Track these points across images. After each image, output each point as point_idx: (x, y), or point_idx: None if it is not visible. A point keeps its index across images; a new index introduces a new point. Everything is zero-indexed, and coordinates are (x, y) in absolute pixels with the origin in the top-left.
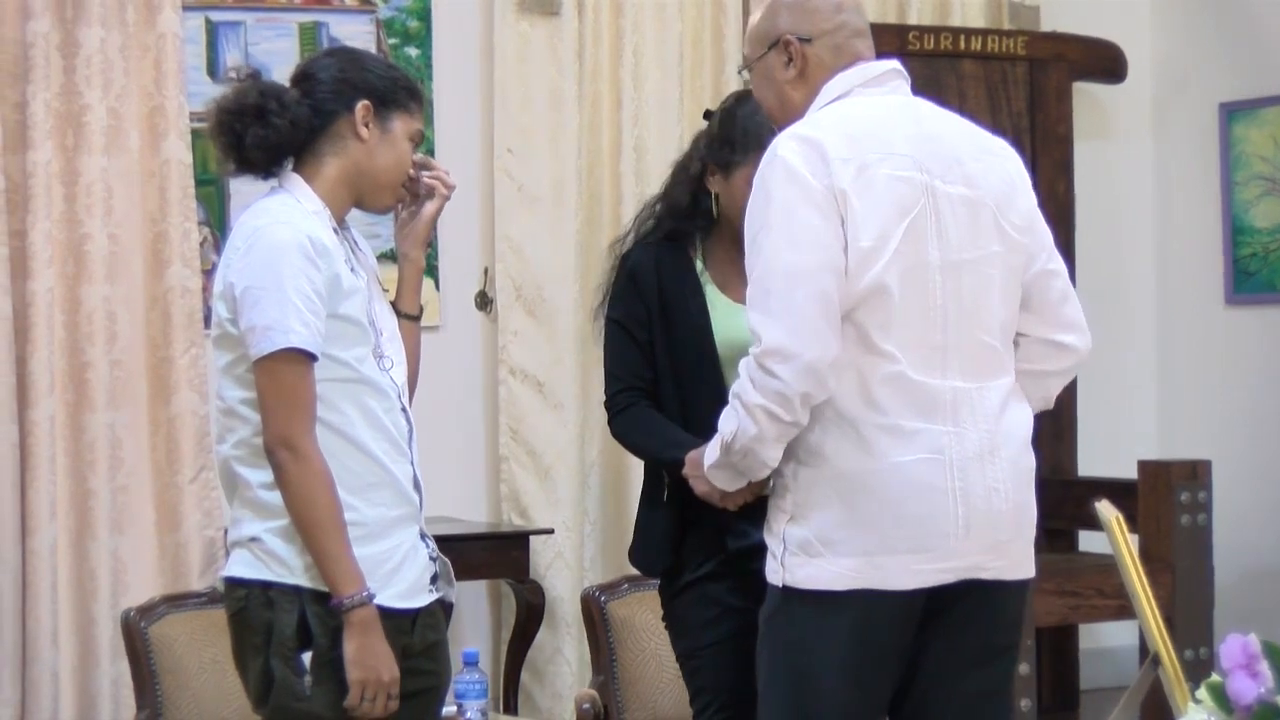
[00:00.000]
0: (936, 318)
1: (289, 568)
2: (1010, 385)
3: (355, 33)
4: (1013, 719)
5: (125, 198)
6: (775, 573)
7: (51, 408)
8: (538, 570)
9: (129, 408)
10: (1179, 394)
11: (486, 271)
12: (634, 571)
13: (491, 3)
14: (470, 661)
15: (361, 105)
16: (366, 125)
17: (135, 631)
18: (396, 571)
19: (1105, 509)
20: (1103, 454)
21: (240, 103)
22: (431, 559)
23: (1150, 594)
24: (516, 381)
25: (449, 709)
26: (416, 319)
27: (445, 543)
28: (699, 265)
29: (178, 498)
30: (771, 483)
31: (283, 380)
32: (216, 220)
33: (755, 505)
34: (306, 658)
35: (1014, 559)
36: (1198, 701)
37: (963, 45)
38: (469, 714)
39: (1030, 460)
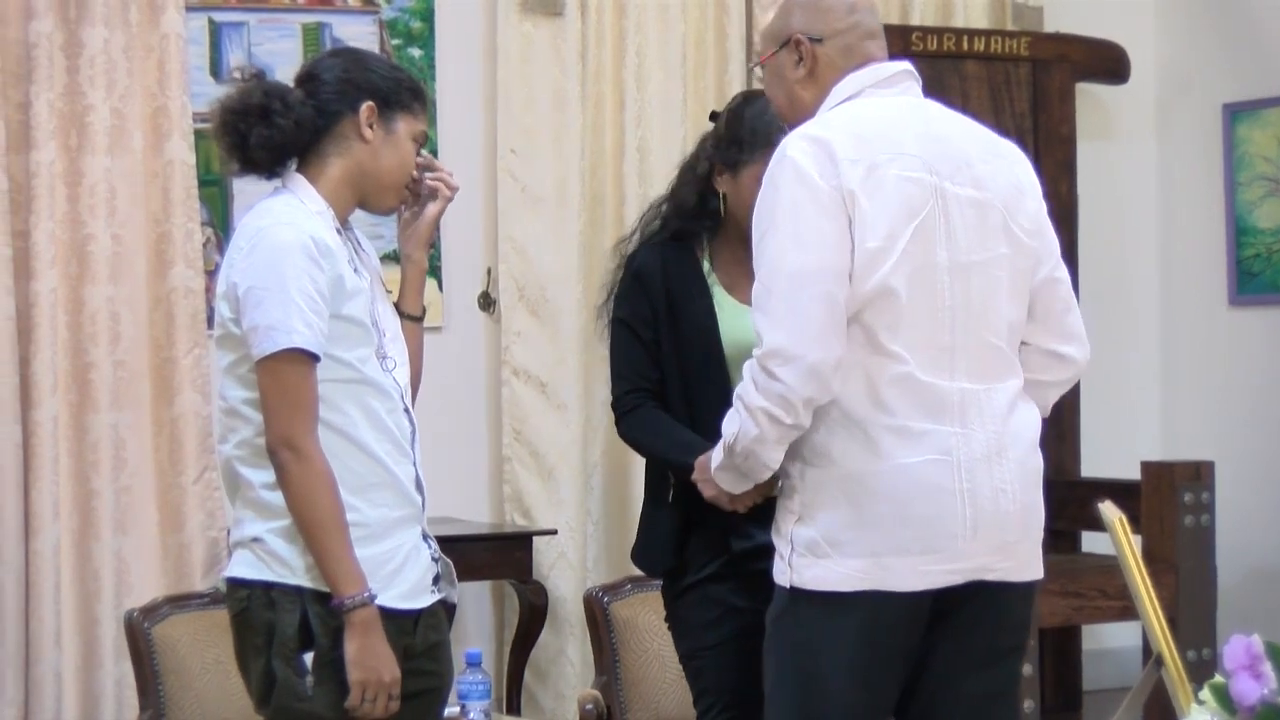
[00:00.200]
0: (945, 319)
1: (291, 568)
2: (1018, 387)
3: (358, 33)
4: None
5: (128, 198)
6: (783, 573)
7: (54, 408)
8: (540, 571)
9: (132, 408)
10: (1182, 395)
11: (489, 272)
12: (637, 572)
13: (494, 3)
14: (473, 662)
15: (366, 106)
16: (370, 126)
17: (138, 632)
18: (398, 572)
19: (1108, 510)
20: (1106, 455)
21: (245, 103)
22: (434, 559)
23: (1153, 595)
24: (519, 382)
25: (452, 709)
26: (419, 320)
27: (448, 543)
28: (706, 266)
29: (181, 498)
30: (780, 484)
31: (285, 380)
32: (220, 221)
33: (760, 506)
34: (308, 658)
35: (1021, 560)
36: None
37: (966, 46)
38: (472, 714)
39: (1038, 461)
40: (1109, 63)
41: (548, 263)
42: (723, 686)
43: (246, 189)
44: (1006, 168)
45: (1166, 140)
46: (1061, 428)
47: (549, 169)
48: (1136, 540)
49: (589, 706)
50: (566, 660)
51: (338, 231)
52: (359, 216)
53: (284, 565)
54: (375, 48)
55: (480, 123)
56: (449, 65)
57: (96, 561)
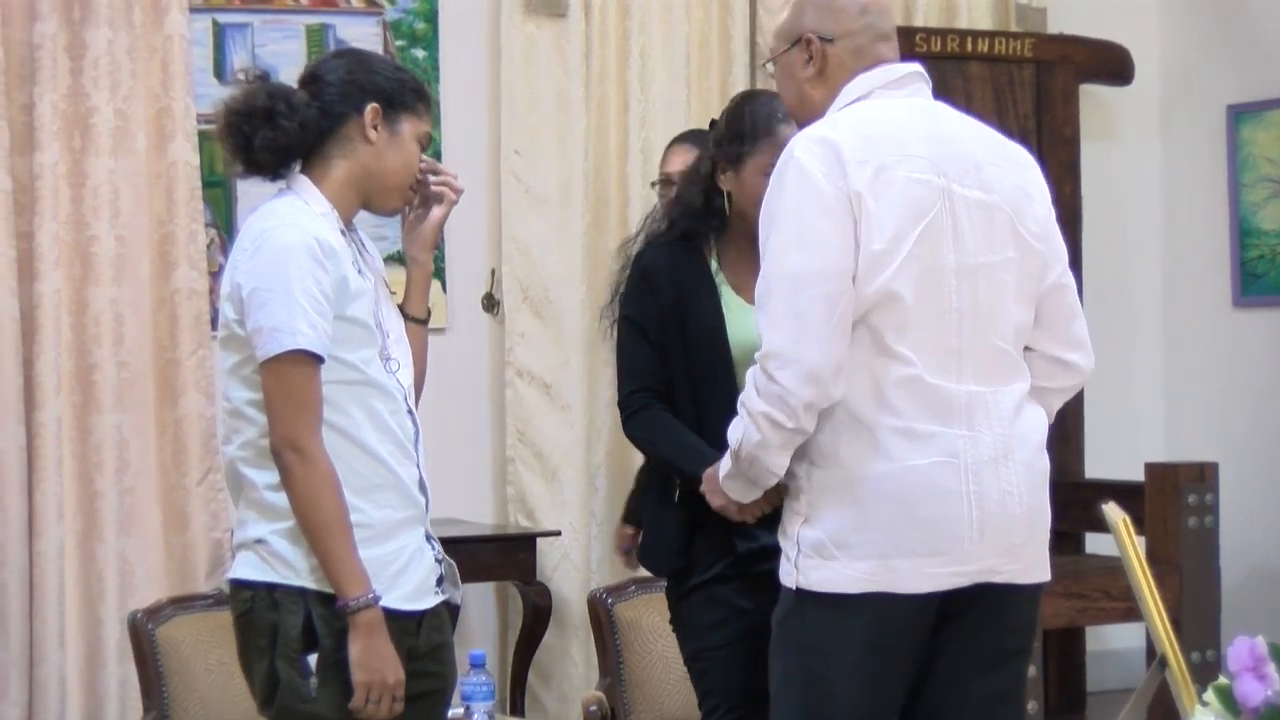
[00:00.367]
0: (952, 321)
1: (294, 570)
2: (1024, 389)
3: (362, 35)
4: None
5: (132, 199)
6: (789, 575)
7: (58, 409)
8: (544, 572)
9: (135, 410)
10: (1186, 396)
11: (493, 273)
12: (641, 573)
13: (498, 4)
14: (477, 663)
15: (370, 108)
16: (375, 128)
17: (142, 633)
18: (402, 573)
19: (1112, 511)
20: (1109, 456)
21: (249, 104)
22: (437, 561)
23: (1157, 596)
24: (523, 383)
25: (455, 711)
26: (424, 323)
27: (451, 544)
28: (713, 265)
29: (184, 499)
30: (786, 485)
31: (289, 382)
32: (223, 222)
33: None
34: (312, 659)
35: (1027, 562)
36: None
37: (969, 47)
38: (475, 716)
39: (1044, 464)
40: (1113, 64)
41: (551, 263)
42: (728, 688)
43: (250, 190)
44: (1015, 171)
45: (1170, 141)
46: (1065, 429)
47: (553, 170)
48: (1140, 542)
49: (593, 708)
50: (570, 662)
51: (342, 233)
52: (362, 217)
53: (288, 566)
54: (379, 49)
55: (484, 124)
56: (453, 66)
57: (100, 563)
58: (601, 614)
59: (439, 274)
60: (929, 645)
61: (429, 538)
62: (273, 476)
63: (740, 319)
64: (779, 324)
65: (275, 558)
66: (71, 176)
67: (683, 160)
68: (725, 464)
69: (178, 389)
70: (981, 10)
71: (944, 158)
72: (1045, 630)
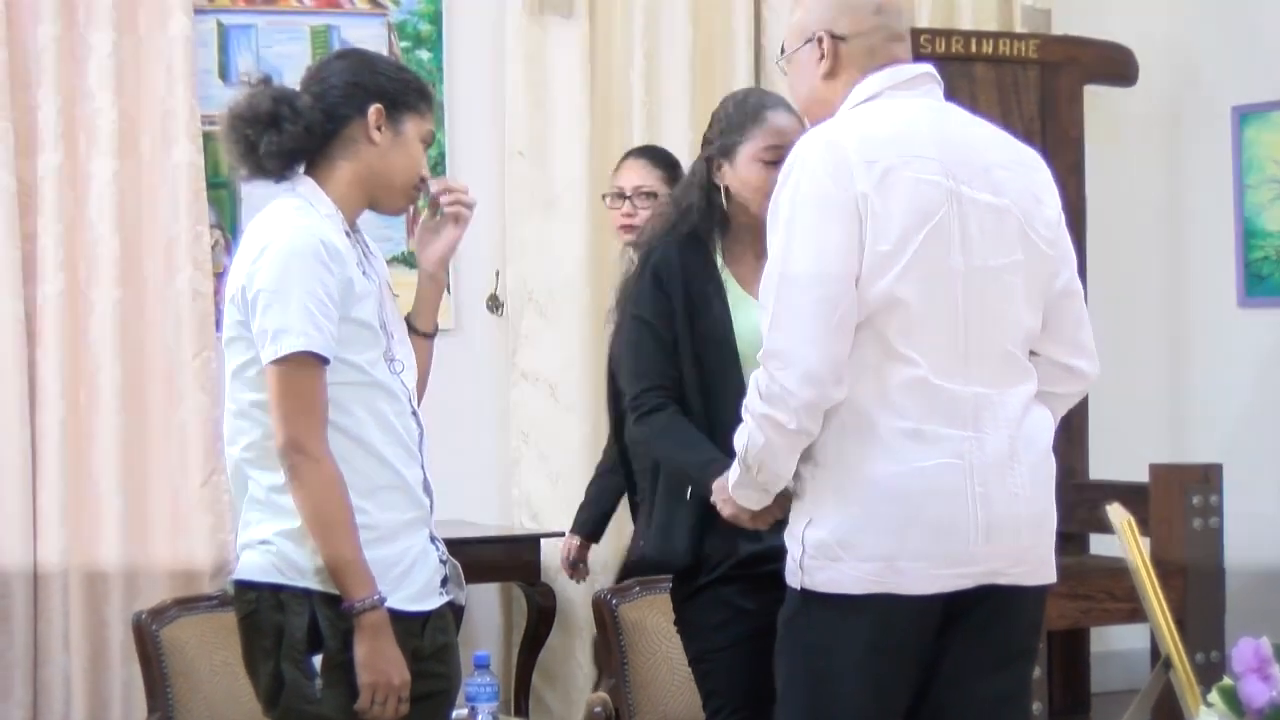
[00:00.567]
0: (959, 324)
1: (299, 571)
2: (1031, 391)
3: (367, 36)
4: None
5: (136, 201)
6: (794, 575)
7: (62, 411)
8: (549, 573)
9: (140, 411)
10: (1191, 397)
11: (498, 274)
12: (645, 574)
13: (503, 6)
14: (481, 664)
15: (374, 109)
16: (379, 129)
17: (146, 634)
18: (407, 574)
19: (1117, 512)
20: (1114, 457)
21: (253, 109)
22: (442, 562)
23: (1162, 597)
24: (528, 384)
25: (460, 712)
26: (432, 337)
27: (456, 545)
28: (719, 262)
29: (189, 501)
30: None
31: (295, 384)
32: (228, 223)
33: None
34: (317, 661)
35: (1033, 564)
36: (1209, 705)
37: (974, 48)
38: (480, 717)
39: (1051, 466)
40: (1118, 65)
41: (556, 265)
42: (732, 689)
43: (255, 192)
44: (1026, 174)
45: (1175, 143)
46: (1070, 430)
47: (558, 171)
48: (1145, 543)
49: (598, 709)
50: (575, 663)
51: (347, 234)
52: (366, 218)
53: (292, 568)
54: (384, 50)
55: (489, 125)
56: (458, 68)
57: (104, 564)
58: (606, 615)
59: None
60: (934, 646)
61: (434, 539)
62: (278, 478)
63: (747, 314)
64: (780, 324)
65: (280, 559)
66: (75, 178)
67: (636, 174)
68: (734, 472)
69: (182, 390)
70: (986, 11)
71: (953, 160)
72: (1050, 631)
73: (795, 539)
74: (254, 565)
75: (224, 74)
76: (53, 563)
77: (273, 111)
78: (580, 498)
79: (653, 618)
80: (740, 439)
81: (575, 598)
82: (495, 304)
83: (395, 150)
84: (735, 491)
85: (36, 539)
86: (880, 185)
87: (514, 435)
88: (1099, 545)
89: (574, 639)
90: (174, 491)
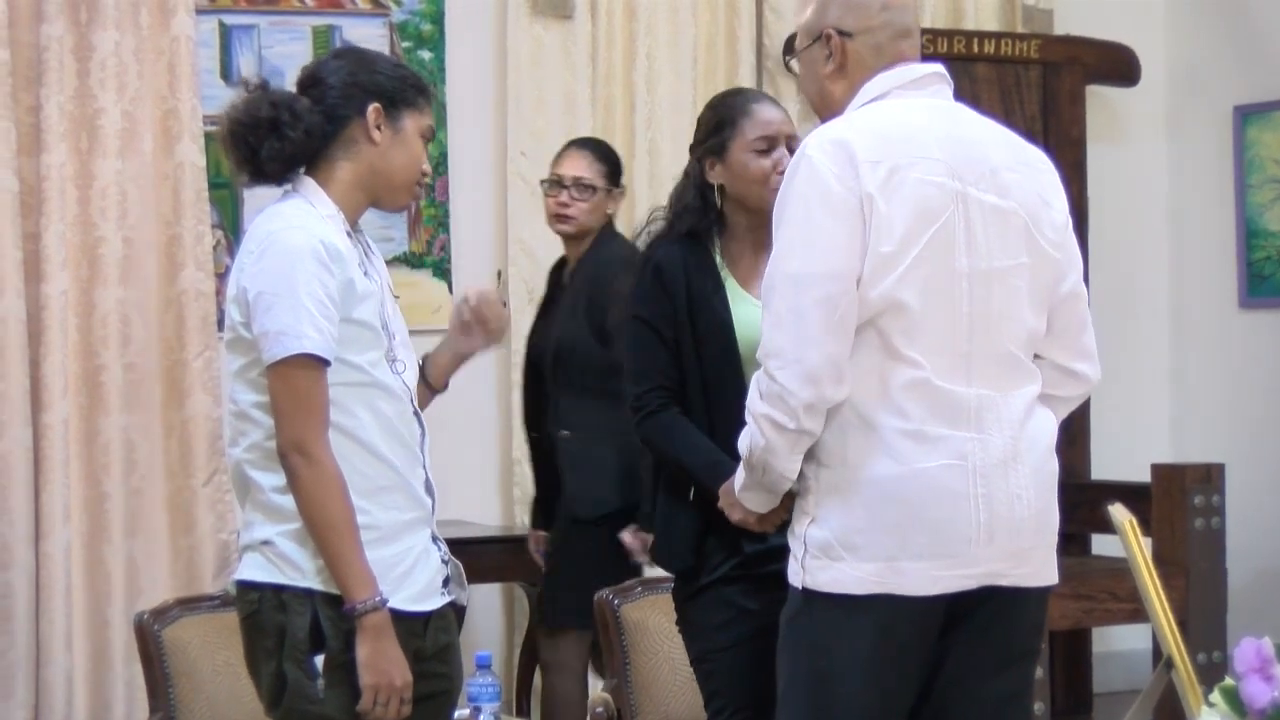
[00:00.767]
0: (962, 326)
1: (301, 571)
2: (1034, 393)
3: (368, 36)
4: None
5: (139, 201)
6: (796, 574)
7: (65, 411)
8: None
9: (142, 411)
10: (1192, 397)
11: (499, 274)
12: (647, 574)
13: (505, 6)
14: (483, 664)
15: (373, 109)
16: (378, 128)
17: (149, 634)
18: (409, 575)
19: (1118, 512)
20: (1116, 458)
21: (252, 116)
22: (444, 562)
23: (1163, 597)
24: None
25: (462, 712)
26: (438, 392)
27: (458, 545)
28: (718, 260)
29: (191, 501)
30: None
31: (295, 385)
32: (230, 223)
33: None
34: (319, 661)
35: (1035, 566)
36: (1211, 705)
37: (976, 49)
38: (482, 717)
39: (1053, 467)
40: (1119, 65)
41: None
42: (734, 688)
43: (257, 192)
44: (1034, 177)
45: (1177, 142)
46: (1072, 430)
47: None
48: (1146, 543)
49: (599, 709)
50: None
51: (349, 235)
52: (367, 218)
53: (294, 568)
54: (385, 50)
55: (490, 125)
56: (459, 68)
57: (107, 564)
58: (608, 615)
59: (445, 274)
60: (937, 647)
61: (435, 539)
62: (279, 479)
63: (746, 313)
64: (780, 323)
65: (282, 559)
66: (78, 178)
67: (577, 165)
68: (740, 476)
69: (184, 390)
70: (988, 11)
71: (960, 161)
72: (1052, 631)
73: (798, 538)
74: (256, 565)
75: (226, 74)
76: (55, 562)
77: (272, 117)
78: None
79: (654, 618)
80: (744, 441)
81: None
82: None
83: (396, 148)
84: (742, 495)
85: (39, 538)
86: (885, 186)
87: (515, 435)
88: (1101, 545)
89: None
90: (176, 491)
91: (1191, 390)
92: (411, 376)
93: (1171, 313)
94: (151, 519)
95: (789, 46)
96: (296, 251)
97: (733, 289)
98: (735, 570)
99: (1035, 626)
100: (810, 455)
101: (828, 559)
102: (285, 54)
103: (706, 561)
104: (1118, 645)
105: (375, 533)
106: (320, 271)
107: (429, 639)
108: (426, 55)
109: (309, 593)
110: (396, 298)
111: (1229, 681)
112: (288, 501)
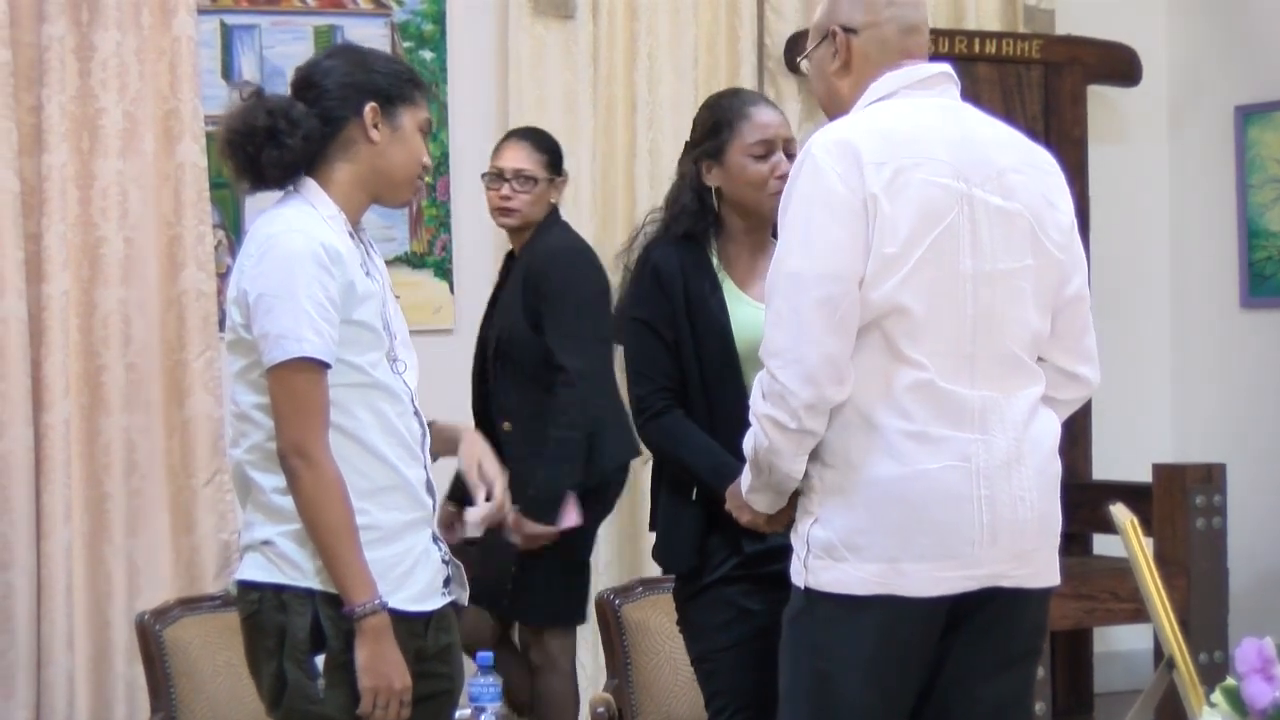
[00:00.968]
0: (966, 328)
1: (302, 571)
2: (1038, 394)
3: (370, 35)
4: None
5: (140, 201)
6: (799, 574)
7: (66, 411)
8: None
9: (143, 411)
10: (1194, 397)
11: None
12: (648, 574)
13: (506, 6)
14: (484, 665)
15: (369, 108)
16: (376, 127)
17: (150, 634)
18: (409, 575)
19: (1120, 512)
20: (1117, 458)
21: (249, 125)
22: (444, 562)
23: (1165, 597)
24: None
25: (463, 712)
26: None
27: (458, 546)
28: (715, 262)
29: (192, 501)
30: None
31: (296, 388)
32: (231, 223)
33: None
34: (319, 661)
35: (1038, 567)
36: (1212, 705)
37: (977, 48)
38: (483, 717)
39: (1056, 469)
40: (1120, 65)
41: None
42: (735, 688)
43: (257, 193)
44: (1039, 178)
45: (1178, 142)
46: (1073, 430)
47: None
48: (1148, 543)
49: (601, 709)
50: (578, 663)
51: (350, 235)
52: (367, 218)
53: (295, 568)
54: (387, 50)
55: (491, 125)
56: (460, 68)
57: (108, 564)
58: (609, 615)
59: (446, 274)
60: (938, 648)
61: (436, 539)
62: (280, 480)
63: (744, 314)
64: (781, 323)
65: (282, 559)
66: (79, 178)
67: (517, 157)
68: (746, 477)
69: (185, 390)
70: (989, 11)
71: (966, 162)
72: (1053, 631)
73: (800, 538)
74: (256, 565)
75: (227, 74)
76: (56, 562)
77: (270, 126)
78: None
79: (656, 618)
80: (748, 442)
81: None
82: None
83: (394, 145)
84: (749, 496)
85: (40, 538)
86: (890, 187)
87: None
88: (1102, 545)
89: (577, 639)
90: (177, 491)
91: (1192, 390)
92: (412, 376)
93: (1173, 313)
94: (153, 519)
95: (796, 47)
96: (296, 255)
97: (730, 290)
98: (736, 570)
99: (1037, 627)
100: (814, 455)
101: (831, 559)
102: (286, 54)
103: (708, 561)
104: (1119, 645)
105: (376, 533)
106: (320, 274)
107: (430, 639)
108: (428, 55)
109: (309, 593)
110: (397, 298)
111: (1230, 681)
112: (288, 502)
